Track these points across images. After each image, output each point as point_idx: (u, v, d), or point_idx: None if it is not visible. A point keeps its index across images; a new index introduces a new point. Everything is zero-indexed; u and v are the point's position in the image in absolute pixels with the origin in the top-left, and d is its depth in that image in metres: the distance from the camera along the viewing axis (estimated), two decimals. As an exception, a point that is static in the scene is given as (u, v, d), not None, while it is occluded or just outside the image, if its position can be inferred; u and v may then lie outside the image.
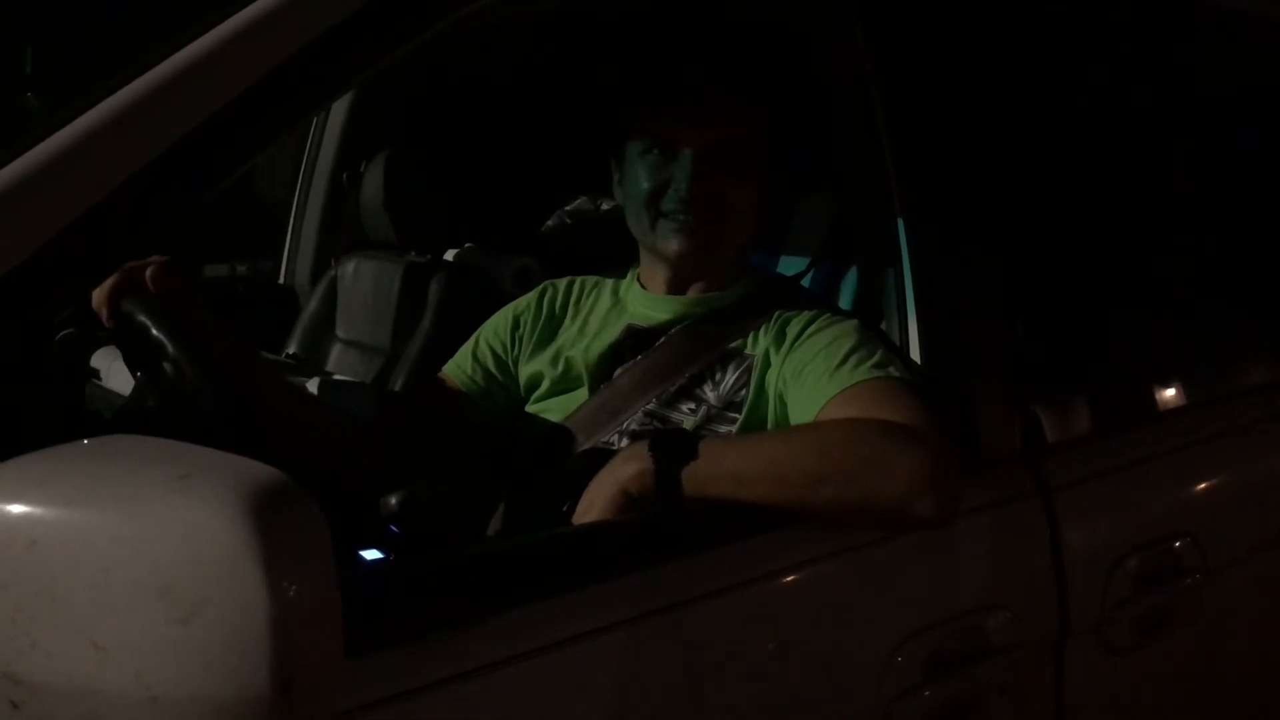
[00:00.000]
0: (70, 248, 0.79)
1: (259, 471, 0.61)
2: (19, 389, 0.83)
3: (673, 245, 1.36)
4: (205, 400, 1.16)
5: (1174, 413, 1.58)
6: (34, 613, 0.60)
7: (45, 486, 0.62)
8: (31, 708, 0.60)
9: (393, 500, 1.75)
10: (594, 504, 1.12)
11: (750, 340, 1.35)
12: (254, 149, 0.92)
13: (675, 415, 1.33)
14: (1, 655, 0.60)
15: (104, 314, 1.18)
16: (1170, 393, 1.59)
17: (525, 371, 1.46)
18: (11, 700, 0.60)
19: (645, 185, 1.36)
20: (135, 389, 1.22)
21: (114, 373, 1.77)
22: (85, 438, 0.69)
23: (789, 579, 1.08)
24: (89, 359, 1.86)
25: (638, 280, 1.47)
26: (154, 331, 1.15)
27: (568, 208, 2.30)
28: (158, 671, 0.58)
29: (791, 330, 1.32)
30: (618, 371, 1.38)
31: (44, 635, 0.60)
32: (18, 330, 0.77)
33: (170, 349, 1.15)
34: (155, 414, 1.20)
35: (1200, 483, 1.51)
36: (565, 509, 1.17)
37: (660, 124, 1.37)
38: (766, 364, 1.32)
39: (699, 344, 1.37)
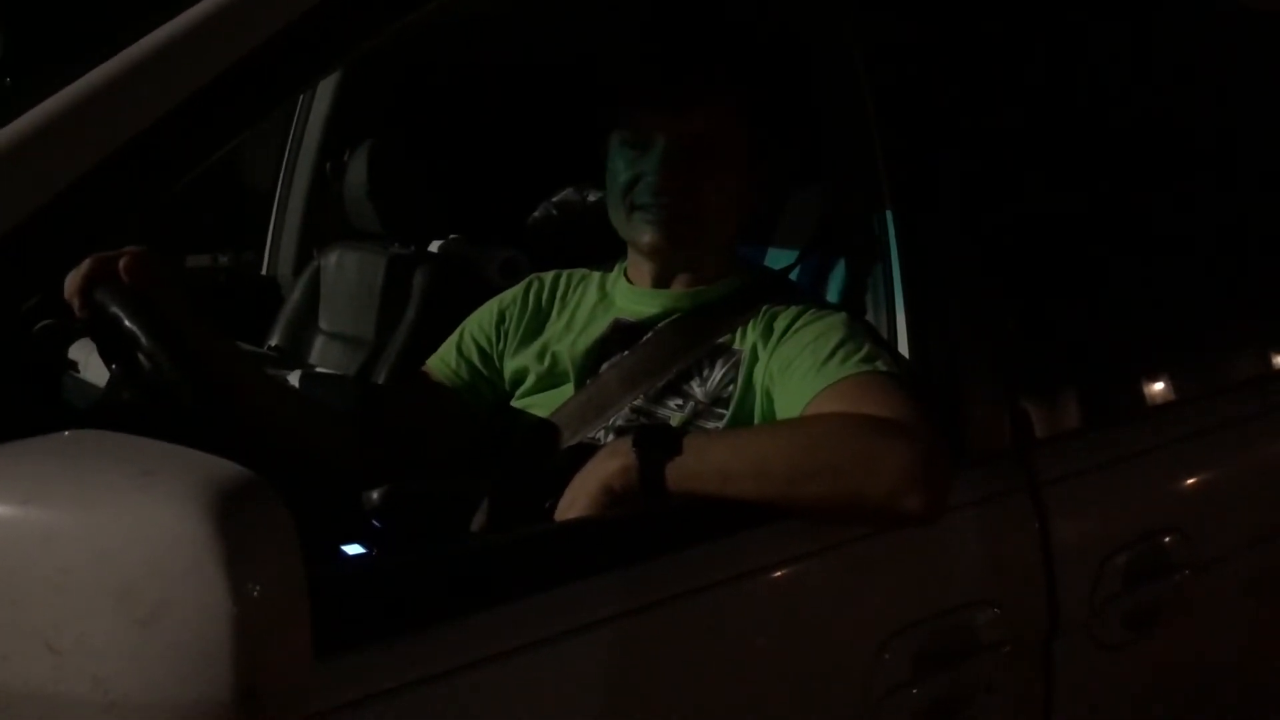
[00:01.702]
0: (37, 235, 0.77)
1: (223, 469, 0.59)
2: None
3: (645, 237, 1.34)
4: (180, 393, 1.14)
5: (1164, 407, 1.57)
6: (-10, 615, 0.58)
7: (2, 482, 0.59)
8: (-13, 712, 0.58)
9: (375, 495, 1.73)
10: (577, 500, 1.10)
11: (738, 335, 1.33)
12: (228, 135, 0.90)
13: (662, 411, 1.31)
14: (-44, 658, 0.58)
15: (76, 304, 1.16)
16: (1161, 387, 1.58)
17: (510, 366, 1.44)
18: (-34, 705, 0.58)
19: (621, 177, 1.35)
20: (110, 382, 1.20)
21: (92, 365, 1.74)
22: (63, 429, 0.67)
23: (775, 575, 1.07)
24: (67, 350, 1.83)
25: (624, 274, 1.45)
26: (127, 323, 1.13)
27: (554, 199, 2.28)
28: (117, 676, 0.56)
29: (779, 325, 1.31)
30: (604, 366, 1.37)
31: (1, 637, 0.57)
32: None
33: (144, 341, 1.13)
34: (130, 407, 1.18)
35: (1190, 478, 1.50)
36: (548, 505, 1.15)
37: (636, 115, 1.35)
38: (754, 359, 1.30)
39: (686, 339, 1.35)
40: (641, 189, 1.33)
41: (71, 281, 1.15)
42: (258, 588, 0.56)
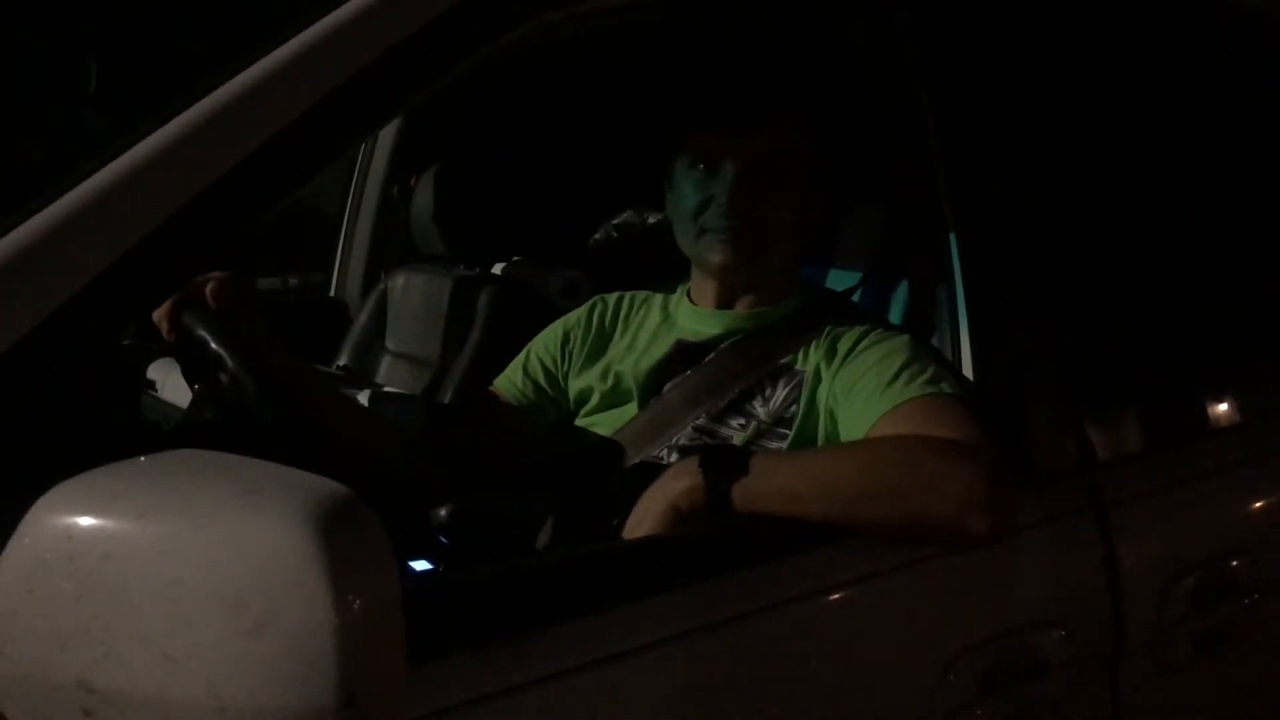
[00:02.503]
0: (139, 265, 0.81)
1: (325, 487, 0.62)
2: (85, 402, 0.84)
3: (716, 257, 1.36)
4: (262, 412, 1.18)
5: (1230, 429, 1.56)
6: (108, 623, 0.61)
7: (117, 500, 0.63)
8: (104, 716, 0.61)
9: (442, 512, 1.76)
10: (644, 519, 1.12)
11: (801, 356, 1.34)
12: (317, 166, 0.94)
13: (725, 431, 1.33)
14: (76, 664, 0.61)
15: (164, 327, 1.21)
16: (1226, 408, 1.57)
17: (575, 386, 1.47)
18: (84, 708, 0.61)
19: (690, 201, 1.37)
20: (193, 401, 1.24)
21: (170, 385, 1.80)
22: (142, 449, 0.70)
23: (839, 595, 1.08)
24: (146, 371, 1.89)
25: (687, 295, 1.47)
26: (213, 345, 1.17)
27: (615, 221, 2.32)
28: (227, 682, 0.59)
29: (842, 346, 1.32)
30: (667, 386, 1.39)
31: (117, 645, 0.61)
32: (91, 346, 0.79)
33: (229, 362, 1.17)
34: (213, 426, 1.22)
35: (1257, 500, 1.48)
36: (615, 524, 1.17)
37: (701, 139, 1.37)
38: (817, 380, 1.31)
39: (749, 359, 1.37)
40: (713, 213, 1.35)
41: (161, 306, 1.20)
42: (358, 600, 0.59)
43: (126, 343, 1.76)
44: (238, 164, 0.84)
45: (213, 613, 0.59)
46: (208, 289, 1.20)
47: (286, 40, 0.91)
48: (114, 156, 0.84)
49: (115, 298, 0.80)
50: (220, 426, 1.21)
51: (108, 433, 0.85)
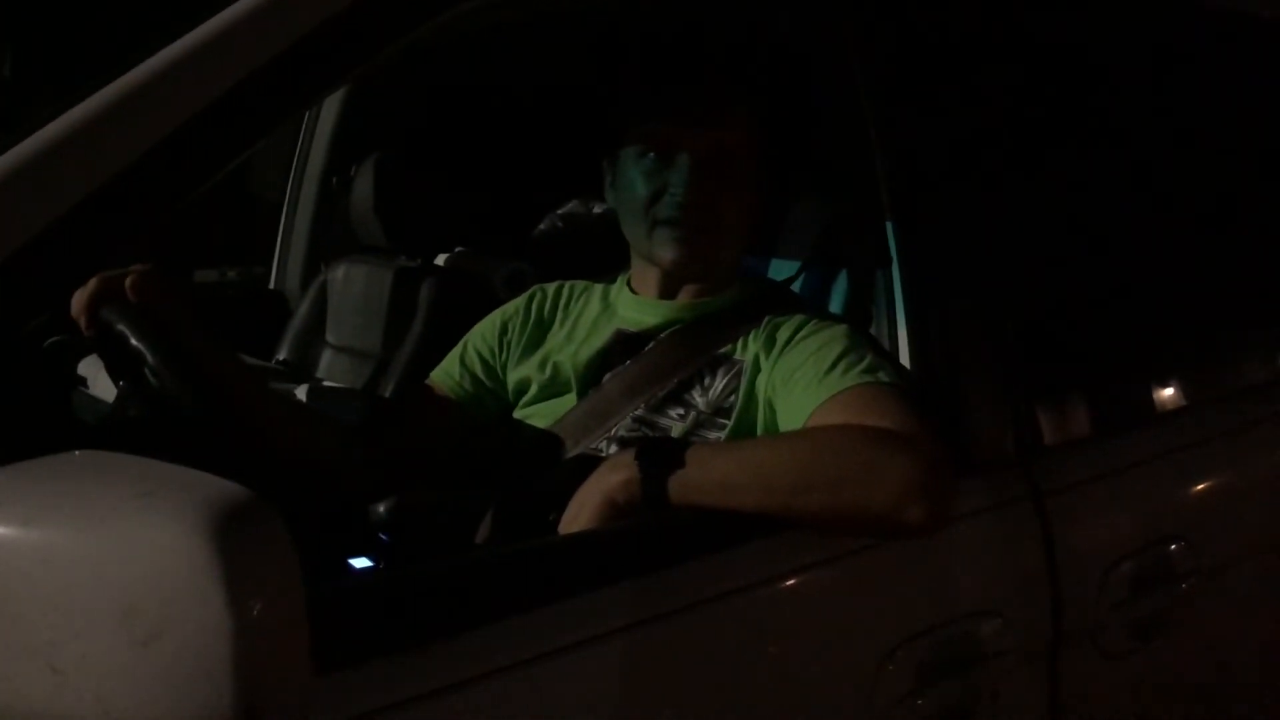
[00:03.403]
0: (46, 252, 0.78)
1: (222, 488, 0.60)
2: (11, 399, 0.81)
3: (669, 253, 1.34)
4: (186, 409, 1.15)
5: (1169, 415, 1.57)
6: (-8, 635, 0.58)
7: (3, 505, 0.60)
8: (-11, 732, 0.58)
9: (381, 508, 1.74)
10: (580, 513, 1.10)
11: (740, 345, 1.33)
12: (237, 150, 0.91)
13: (664, 421, 1.31)
14: (-42, 678, 0.59)
15: (83, 322, 1.17)
16: (1165, 394, 1.58)
17: (513, 377, 1.45)
18: (-31, 724, 0.59)
19: (641, 191, 1.35)
20: (117, 399, 1.21)
21: (100, 380, 1.75)
22: (71, 446, 0.67)
23: (777, 587, 1.07)
24: (76, 366, 1.84)
25: (628, 284, 1.46)
26: (133, 340, 1.14)
27: (560, 211, 2.29)
28: (118, 695, 0.56)
29: (781, 335, 1.31)
30: (606, 377, 1.37)
31: (2, 657, 0.58)
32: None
33: (150, 358, 1.14)
34: (137, 423, 1.19)
35: (1196, 485, 1.49)
36: (552, 518, 1.15)
37: (659, 127, 1.35)
38: (756, 369, 1.30)
39: (689, 349, 1.36)
40: (666, 203, 1.33)
41: (78, 299, 1.16)
42: (257, 606, 0.57)
43: (56, 339, 1.72)
44: (146, 151, 0.81)
45: (103, 622, 0.57)
46: (127, 282, 1.16)
47: (194, 29, 0.88)
48: (20, 139, 0.81)
49: (19, 286, 0.77)
50: (144, 424, 1.18)
51: (37, 431, 0.82)
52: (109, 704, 0.56)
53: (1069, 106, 1.55)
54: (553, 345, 1.45)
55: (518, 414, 1.43)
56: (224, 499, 0.59)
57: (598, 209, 2.23)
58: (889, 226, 1.31)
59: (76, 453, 0.66)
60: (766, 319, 1.34)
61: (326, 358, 2.54)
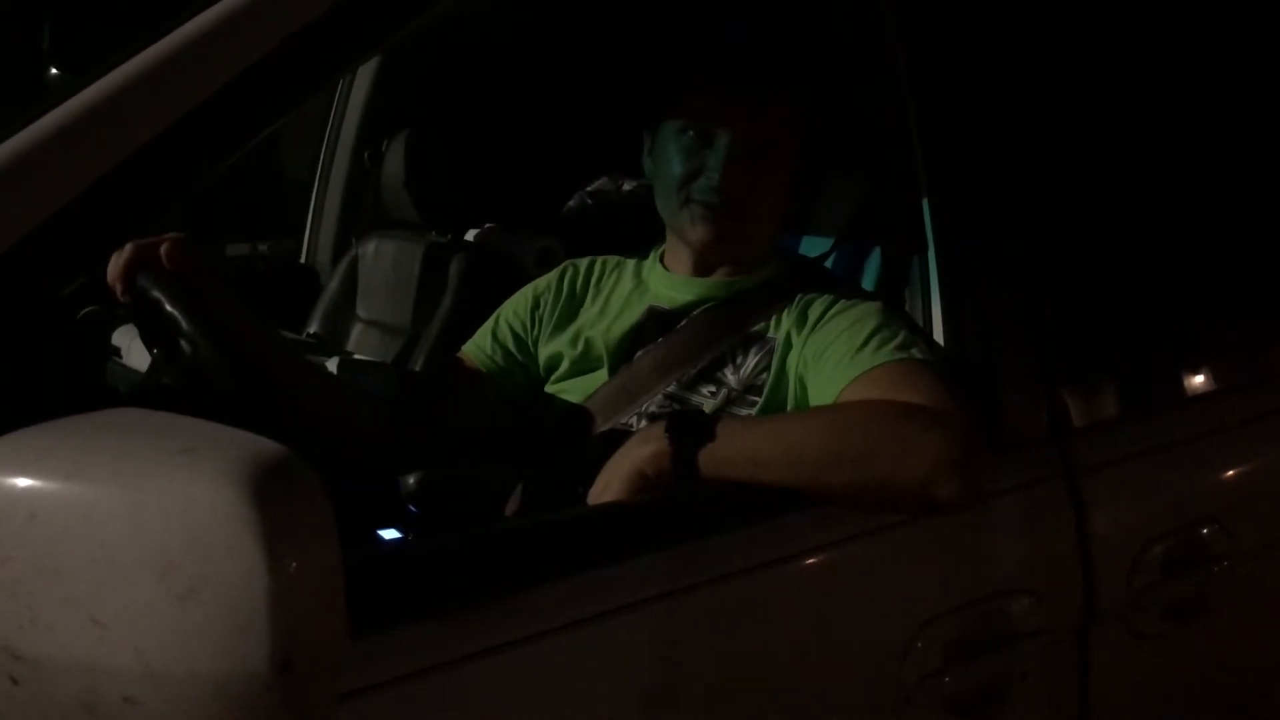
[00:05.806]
0: (77, 220, 0.79)
1: (262, 446, 0.60)
2: (35, 364, 0.82)
3: (699, 233, 1.33)
4: (219, 377, 1.15)
5: (1204, 396, 1.55)
6: (34, 587, 0.59)
7: (45, 459, 0.61)
8: (31, 683, 0.59)
9: (411, 480, 1.74)
10: (610, 485, 1.10)
11: (772, 323, 1.33)
12: (268, 120, 0.91)
13: (695, 398, 1.31)
14: (1, 630, 0.59)
15: (118, 289, 1.18)
16: (1200, 376, 1.56)
17: (545, 352, 1.45)
18: (11, 675, 0.59)
19: (678, 168, 1.34)
20: (151, 366, 1.22)
21: (135, 350, 1.77)
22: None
23: (807, 562, 1.07)
24: (110, 336, 1.86)
25: (660, 261, 1.45)
26: (167, 307, 1.15)
27: (589, 188, 2.29)
28: (157, 647, 0.57)
29: (813, 312, 1.30)
30: (638, 353, 1.37)
31: (44, 610, 0.59)
32: (26, 304, 0.76)
33: (184, 325, 1.14)
34: (170, 391, 1.19)
35: (1230, 468, 1.48)
36: (581, 490, 1.16)
37: (703, 103, 1.33)
38: (788, 346, 1.30)
39: (721, 327, 1.35)
40: (702, 184, 1.32)
41: (114, 266, 1.17)
42: (294, 562, 0.57)
43: (91, 308, 1.73)
44: (181, 116, 0.82)
45: (142, 576, 0.57)
46: (162, 250, 1.17)
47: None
48: (50, 109, 0.81)
49: (52, 255, 0.78)
50: (177, 392, 1.19)
51: (73, 399, 0.83)
52: (148, 656, 0.57)
53: (1109, 86, 1.53)
54: (585, 321, 1.44)
55: (549, 389, 1.43)
56: (262, 456, 0.59)
57: (627, 186, 2.23)
58: (925, 204, 1.30)
59: (115, 410, 0.66)
60: (799, 296, 1.33)
61: (356, 332, 2.55)
